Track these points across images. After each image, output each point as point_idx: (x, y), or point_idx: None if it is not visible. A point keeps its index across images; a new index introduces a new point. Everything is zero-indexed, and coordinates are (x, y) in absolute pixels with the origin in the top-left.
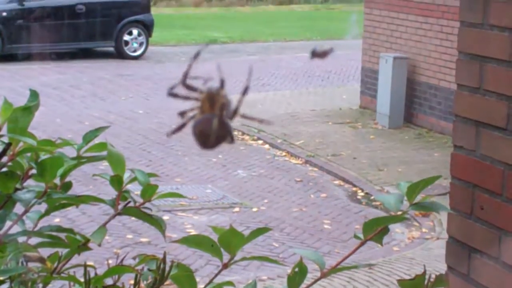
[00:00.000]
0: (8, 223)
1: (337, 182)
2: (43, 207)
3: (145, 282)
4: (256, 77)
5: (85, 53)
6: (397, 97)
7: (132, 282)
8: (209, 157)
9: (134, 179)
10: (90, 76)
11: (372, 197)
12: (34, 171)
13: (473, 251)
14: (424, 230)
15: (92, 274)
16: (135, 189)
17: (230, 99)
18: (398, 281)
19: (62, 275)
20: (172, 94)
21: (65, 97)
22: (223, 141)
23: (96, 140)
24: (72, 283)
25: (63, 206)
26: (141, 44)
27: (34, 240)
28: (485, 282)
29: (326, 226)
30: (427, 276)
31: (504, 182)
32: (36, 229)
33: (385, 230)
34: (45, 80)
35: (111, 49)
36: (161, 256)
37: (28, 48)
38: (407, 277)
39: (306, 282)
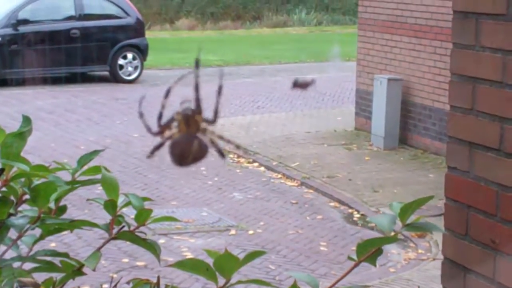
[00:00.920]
0: (2, 248)
1: (333, 204)
2: (38, 231)
3: None
4: (251, 100)
5: (80, 77)
6: (392, 119)
7: None
8: (204, 180)
9: (128, 203)
10: (84, 100)
11: (368, 219)
12: (28, 196)
13: (468, 272)
14: (420, 251)
15: None
16: (130, 213)
17: (206, 117)
18: None
19: None
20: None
21: (60, 121)
22: (199, 161)
23: (91, 164)
24: None
25: (58, 230)
26: (135, 68)
27: (28, 265)
28: None
29: (322, 248)
30: None
31: (498, 203)
32: (31, 253)
33: (379, 251)
34: (40, 105)
35: (106, 73)
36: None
37: (23, 73)
38: None
39: None
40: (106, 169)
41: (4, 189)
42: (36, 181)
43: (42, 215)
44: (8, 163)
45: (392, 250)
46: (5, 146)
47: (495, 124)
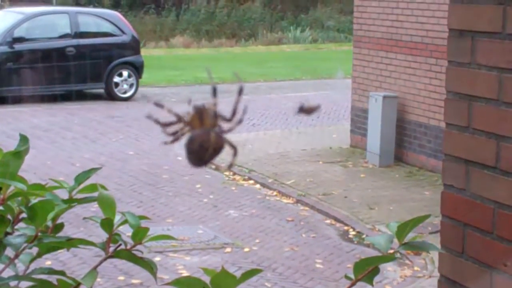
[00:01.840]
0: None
1: (328, 221)
2: (35, 249)
3: None
4: (246, 117)
5: (76, 95)
6: (387, 136)
7: None
8: (200, 197)
9: (125, 222)
10: (80, 118)
11: (363, 236)
12: (24, 214)
13: None
14: (416, 268)
15: None
16: (127, 231)
17: (217, 110)
18: None
19: None
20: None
21: (56, 139)
22: (219, 154)
23: (87, 182)
24: None
25: (54, 248)
26: (131, 85)
27: (25, 284)
28: None
29: (318, 266)
30: None
31: (495, 220)
32: (27, 271)
33: (376, 271)
34: (36, 123)
35: (102, 90)
36: None
37: (19, 91)
38: None
39: None
40: (102, 187)
41: (1, 208)
42: (33, 200)
43: (39, 234)
44: (5, 182)
45: (388, 267)
46: (2, 165)
47: (491, 142)
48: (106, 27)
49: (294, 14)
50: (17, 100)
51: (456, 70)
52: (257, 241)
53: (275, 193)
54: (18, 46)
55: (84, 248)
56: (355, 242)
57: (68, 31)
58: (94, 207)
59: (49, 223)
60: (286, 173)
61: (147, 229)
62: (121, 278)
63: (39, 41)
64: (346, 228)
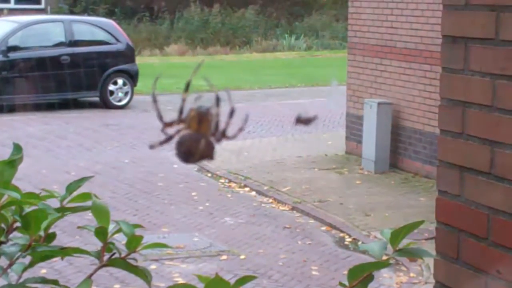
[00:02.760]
0: None
1: (324, 228)
2: (28, 257)
3: None
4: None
5: (71, 103)
6: (382, 142)
7: None
8: (195, 205)
9: (119, 230)
10: (76, 126)
11: (359, 243)
12: (19, 224)
13: None
14: (412, 274)
15: None
16: (123, 239)
17: (220, 119)
18: None
19: None
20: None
21: (51, 148)
22: (205, 159)
23: (83, 190)
24: None
25: (48, 257)
26: (126, 93)
27: None
28: None
29: (314, 273)
30: None
31: (490, 226)
32: (20, 280)
33: (370, 277)
34: (31, 131)
35: (97, 99)
36: None
37: (14, 99)
38: None
39: None
40: (95, 196)
41: None
42: (27, 209)
43: (33, 243)
44: None
45: (384, 274)
46: None
47: (485, 148)
48: (101, 36)
49: (289, 22)
50: (12, 108)
51: (450, 76)
52: (253, 248)
53: (270, 200)
54: (12, 55)
55: (79, 256)
56: (351, 248)
57: (62, 39)
58: (89, 215)
59: (42, 233)
60: (281, 180)
61: (141, 237)
62: (117, 286)
63: (34, 49)
64: (342, 234)
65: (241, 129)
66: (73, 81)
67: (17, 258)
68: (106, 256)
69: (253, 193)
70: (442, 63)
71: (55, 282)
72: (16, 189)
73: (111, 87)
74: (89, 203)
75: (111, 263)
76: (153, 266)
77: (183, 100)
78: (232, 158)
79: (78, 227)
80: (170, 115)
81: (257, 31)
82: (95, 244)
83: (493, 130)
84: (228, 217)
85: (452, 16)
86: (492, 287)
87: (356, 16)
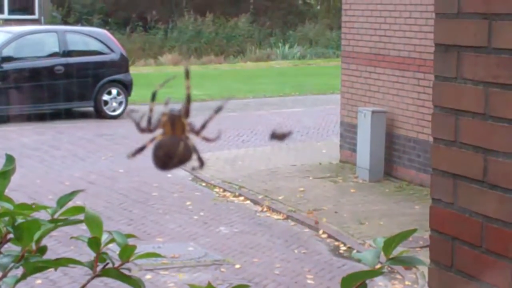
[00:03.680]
0: None
1: (319, 236)
2: (21, 268)
3: None
4: (236, 134)
5: (65, 113)
6: (377, 151)
7: None
8: (190, 214)
9: (112, 240)
10: (70, 137)
11: (354, 251)
12: (11, 235)
13: None
14: (407, 282)
15: None
16: (117, 249)
17: (191, 121)
18: None
19: None
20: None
21: (45, 158)
22: (184, 164)
23: (77, 199)
24: None
25: (42, 268)
26: (120, 103)
27: None
28: None
29: (309, 281)
30: None
31: (483, 234)
32: None
33: (363, 286)
34: (25, 141)
35: (91, 109)
36: None
37: (7, 110)
38: None
39: None
40: (86, 208)
41: None
42: (20, 220)
43: (26, 254)
44: None
45: (379, 282)
46: None
47: (479, 156)
48: (95, 46)
49: (283, 31)
50: (6, 119)
51: (443, 84)
52: (247, 257)
53: (265, 209)
54: (6, 66)
55: (74, 267)
56: (346, 257)
57: (56, 49)
58: (85, 226)
59: (33, 245)
60: (276, 189)
61: (134, 247)
62: None
63: (28, 60)
64: (336, 243)
65: (217, 138)
66: (67, 91)
67: (10, 270)
68: (99, 266)
69: (248, 202)
70: (434, 71)
71: None
72: (8, 200)
73: (105, 97)
74: (82, 215)
75: (105, 273)
76: (148, 276)
77: (150, 110)
78: (227, 167)
79: (71, 238)
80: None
81: (251, 40)
82: (90, 254)
83: (486, 138)
84: (223, 226)
85: (444, 24)
86: None
87: (350, 25)
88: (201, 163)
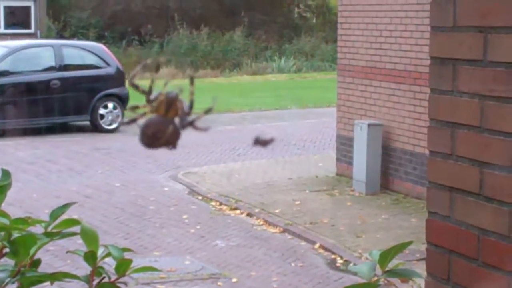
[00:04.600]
0: None
1: (316, 250)
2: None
3: None
4: (232, 147)
5: (61, 127)
6: (373, 164)
7: None
8: (187, 228)
9: (108, 254)
10: (66, 151)
11: (351, 264)
12: (7, 249)
13: None
14: None
15: None
16: (113, 263)
17: (185, 108)
18: None
19: None
20: (133, 85)
21: (42, 172)
22: (168, 146)
23: (74, 214)
24: None
25: (38, 282)
26: (116, 117)
27: None
28: None
29: None
30: None
31: (480, 247)
32: None
33: None
34: (21, 156)
35: (87, 122)
36: None
37: (4, 124)
38: None
39: None
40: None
41: None
42: (16, 234)
43: (22, 269)
44: None
45: None
46: None
47: (475, 169)
48: (91, 59)
49: (278, 44)
50: (2, 133)
51: (438, 97)
52: (244, 271)
53: (262, 222)
54: (2, 80)
55: (70, 281)
56: (343, 270)
57: (52, 64)
58: (80, 239)
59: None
60: (272, 203)
61: (130, 261)
62: None
63: (24, 74)
64: (333, 256)
65: (208, 128)
66: (63, 105)
67: (7, 284)
68: (96, 281)
69: (244, 215)
70: (430, 84)
71: None
72: (5, 214)
73: (102, 111)
74: (77, 228)
75: (101, 287)
76: None
77: (152, 81)
78: (223, 180)
79: (68, 252)
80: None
81: (247, 53)
82: (87, 268)
83: (482, 151)
84: (220, 240)
85: (440, 37)
86: None
87: (346, 38)
88: (174, 147)
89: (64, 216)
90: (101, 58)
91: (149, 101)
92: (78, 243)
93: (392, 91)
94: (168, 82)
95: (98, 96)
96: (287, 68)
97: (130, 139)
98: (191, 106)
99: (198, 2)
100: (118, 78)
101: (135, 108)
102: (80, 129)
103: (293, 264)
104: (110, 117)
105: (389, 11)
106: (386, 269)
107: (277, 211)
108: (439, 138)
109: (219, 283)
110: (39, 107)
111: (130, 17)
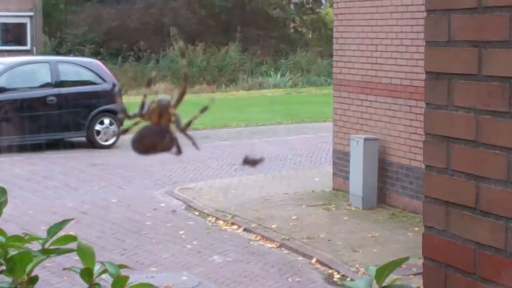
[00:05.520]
0: None
1: (313, 265)
2: None
3: None
4: (229, 162)
5: (57, 143)
6: (369, 178)
7: None
8: (183, 243)
9: (105, 271)
10: (62, 167)
11: (348, 279)
12: (4, 266)
13: None
14: None
15: None
16: (110, 279)
17: (177, 113)
18: None
19: None
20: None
21: (38, 189)
22: (163, 152)
23: (71, 230)
24: None
25: None
26: (113, 133)
27: None
28: None
29: None
30: None
31: (476, 261)
32: None
33: None
34: (18, 172)
35: (83, 139)
36: None
37: (0, 141)
38: None
39: None
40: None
41: None
42: (12, 252)
43: (18, 286)
44: None
45: None
46: None
47: (471, 183)
48: (87, 76)
49: (274, 59)
50: None
51: (434, 112)
52: (242, 286)
53: (258, 237)
54: None
55: None
56: (340, 285)
57: (49, 80)
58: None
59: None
60: (269, 218)
61: (127, 278)
62: None
63: (20, 90)
64: (330, 271)
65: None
66: (59, 122)
67: None
68: None
69: (241, 230)
70: (425, 99)
71: None
72: (1, 232)
73: (98, 127)
74: (74, 244)
75: None
76: None
77: (144, 96)
78: (220, 196)
79: (64, 269)
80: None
81: (243, 69)
82: (83, 285)
83: (478, 165)
84: (216, 255)
85: (435, 52)
86: None
87: (341, 53)
88: (179, 151)
89: (61, 233)
90: (97, 74)
91: (142, 116)
92: (75, 259)
93: (388, 106)
94: (159, 91)
95: (94, 112)
96: (283, 83)
97: (127, 155)
98: (181, 96)
99: (193, 18)
100: (114, 94)
101: (131, 117)
102: (77, 145)
103: (290, 279)
104: (106, 133)
105: (384, 25)
106: (383, 284)
107: (273, 226)
108: (434, 153)
109: None
110: (36, 124)
111: (126, 33)
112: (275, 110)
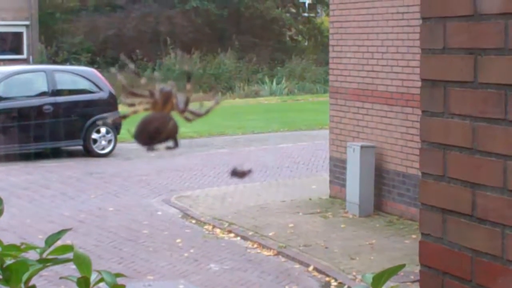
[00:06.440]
0: None
1: (310, 272)
2: None
3: None
4: (225, 170)
5: (54, 152)
6: (366, 186)
7: None
8: (180, 252)
9: (101, 280)
10: (59, 175)
11: (345, 287)
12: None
13: None
14: None
15: None
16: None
17: (179, 98)
18: None
19: None
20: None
21: (35, 197)
22: (168, 140)
23: (68, 238)
24: None
25: None
26: (109, 141)
27: None
28: None
29: None
30: None
31: (473, 269)
32: None
33: None
34: (14, 181)
35: (80, 147)
36: None
37: None
38: None
39: None
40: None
41: None
42: (8, 261)
43: None
44: None
45: None
46: None
47: (467, 190)
48: (83, 84)
49: (270, 67)
50: None
51: (430, 119)
52: None
53: (255, 245)
54: None
55: None
56: None
57: (45, 89)
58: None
59: (22, 286)
60: (266, 225)
61: (123, 287)
62: None
63: (17, 99)
64: (327, 279)
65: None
66: (56, 131)
67: None
68: None
69: (238, 238)
70: (421, 106)
71: None
72: None
73: (94, 135)
74: (71, 254)
75: None
76: None
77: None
78: (216, 204)
79: (61, 278)
80: (156, 160)
81: (239, 77)
82: None
83: (474, 172)
84: (213, 263)
85: (430, 60)
86: None
87: (337, 61)
88: (176, 144)
89: (58, 242)
90: (93, 83)
91: (132, 93)
92: (72, 268)
93: (385, 113)
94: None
95: (90, 120)
96: (279, 90)
97: (123, 163)
98: (186, 103)
99: (189, 26)
100: (110, 103)
101: (134, 94)
102: (73, 154)
103: (287, 287)
104: (103, 142)
105: (380, 33)
106: None
107: (270, 234)
108: (431, 160)
109: None
110: (32, 132)
111: (122, 42)
112: (272, 117)
